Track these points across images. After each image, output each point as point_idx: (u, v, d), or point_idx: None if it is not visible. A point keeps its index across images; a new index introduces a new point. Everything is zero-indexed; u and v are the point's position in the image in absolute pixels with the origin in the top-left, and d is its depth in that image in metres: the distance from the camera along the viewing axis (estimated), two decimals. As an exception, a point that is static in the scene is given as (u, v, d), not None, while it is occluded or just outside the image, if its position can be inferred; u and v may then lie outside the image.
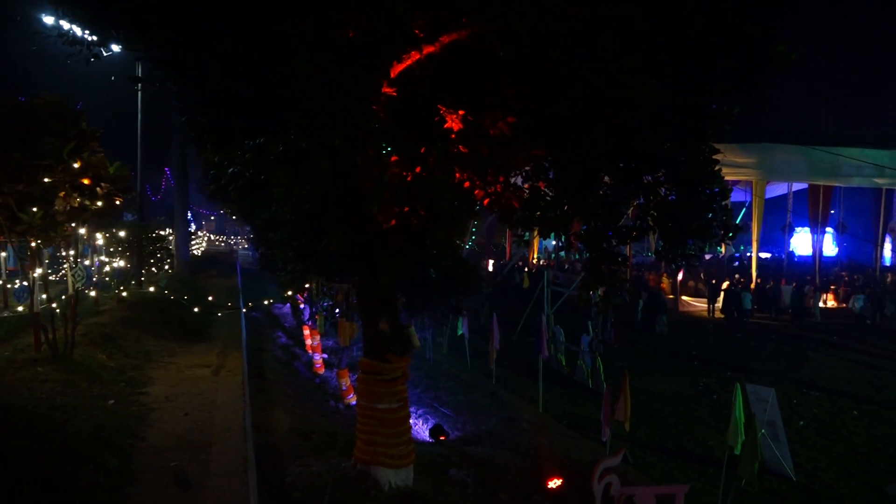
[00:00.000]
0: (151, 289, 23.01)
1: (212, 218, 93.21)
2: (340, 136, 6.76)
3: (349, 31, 5.96)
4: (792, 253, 40.53)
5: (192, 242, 50.11)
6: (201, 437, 9.20)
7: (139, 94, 27.13)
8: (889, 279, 30.63)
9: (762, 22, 6.48)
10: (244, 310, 21.32)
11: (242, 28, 5.78)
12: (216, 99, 6.31)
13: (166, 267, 30.88)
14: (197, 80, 6.30)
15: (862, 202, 38.40)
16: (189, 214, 44.54)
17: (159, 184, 59.01)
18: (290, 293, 22.77)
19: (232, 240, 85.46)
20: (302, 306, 22.37)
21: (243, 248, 64.09)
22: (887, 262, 37.44)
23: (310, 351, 19.33)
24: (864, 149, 28.19)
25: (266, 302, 25.64)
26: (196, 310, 19.64)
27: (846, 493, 11.10)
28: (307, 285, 18.63)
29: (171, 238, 35.23)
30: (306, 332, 19.98)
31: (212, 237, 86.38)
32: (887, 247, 38.09)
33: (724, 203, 8.53)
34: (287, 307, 27.37)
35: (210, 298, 23.89)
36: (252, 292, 27.43)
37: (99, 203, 11.96)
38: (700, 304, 29.81)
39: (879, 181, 30.34)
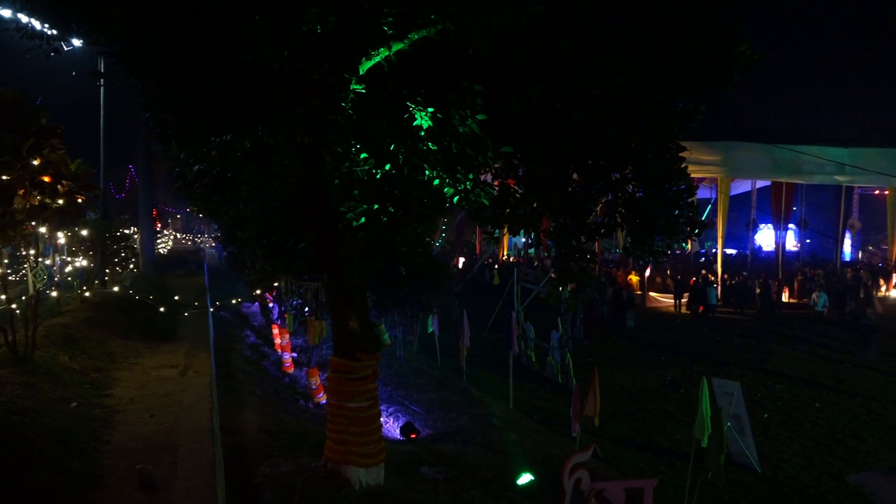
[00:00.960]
0: (116, 289, 22.56)
1: (178, 216, 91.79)
2: (308, 133, 6.69)
3: (316, 27, 5.90)
4: (759, 248, 41.32)
5: (158, 241, 49.27)
6: (168, 439, 9.05)
7: (101, 89, 26.56)
8: (849, 275, 31.40)
9: (725, 22, 6.59)
10: (212, 309, 21.03)
11: (206, 22, 5.68)
12: (181, 94, 6.20)
13: (131, 266, 30.28)
14: (160, 76, 6.18)
15: (823, 199, 39.32)
16: (154, 213, 43.76)
17: (124, 181, 57.85)
18: (258, 292, 22.51)
19: (199, 238, 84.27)
20: (271, 305, 22.14)
21: (211, 247, 63.24)
22: (847, 258, 38.38)
23: (279, 350, 19.16)
24: (824, 147, 28.83)
25: (234, 301, 25.32)
26: (162, 310, 19.31)
27: (809, 483, 11.36)
28: (276, 284, 18.42)
29: (135, 237, 34.56)
30: (275, 330, 19.79)
31: (178, 236, 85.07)
32: (847, 242, 39.07)
33: (690, 200, 8.64)
34: (256, 306, 27.07)
35: (176, 298, 23.49)
36: (220, 291, 27.08)
37: (60, 201, 11.65)
38: (667, 300, 30.23)
39: (840, 178, 31.07)
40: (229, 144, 7.44)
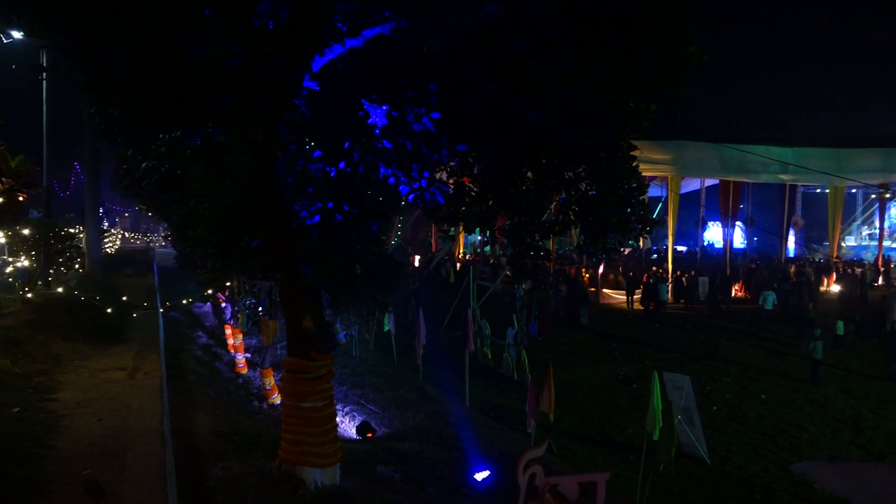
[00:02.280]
0: (60, 289, 21.85)
1: (126, 215, 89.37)
2: (261, 130, 6.59)
3: (269, 22, 5.81)
4: (711, 245, 42.38)
5: (106, 240, 47.90)
6: (116, 444, 8.80)
7: (44, 83, 25.67)
8: (793, 270, 32.43)
9: (675, 24, 6.72)
10: (162, 310, 20.55)
11: (155, 16, 5.55)
12: (128, 90, 6.04)
13: (77, 266, 29.39)
14: (106, 71, 6.01)
15: (768, 197, 40.55)
16: (101, 211, 42.50)
17: (68, 179, 56.03)
18: (210, 291, 22.10)
19: (148, 237, 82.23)
20: (223, 305, 21.75)
21: (161, 246, 61.78)
22: (791, 254, 39.66)
23: (232, 350, 18.84)
24: (769, 146, 29.67)
25: (185, 301, 24.80)
26: (109, 311, 18.78)
27: (756, 473, 11.70)
28: (228, 283, 18.12)
29: (81, 236, 33.53)
30: (228, 331, 19.46)
31: (126, 235, 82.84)
32: (791, 239, 40.40)
33: (641, 198, 8.82)
34: (208, 306, 26.57)
35: (125, 298, 22.88)
36: (170, 291, 26.45)
37: None
38: (620, 297, 30.73)
39: (784, 177, 32.07)
40: (179, 141, 7.29)
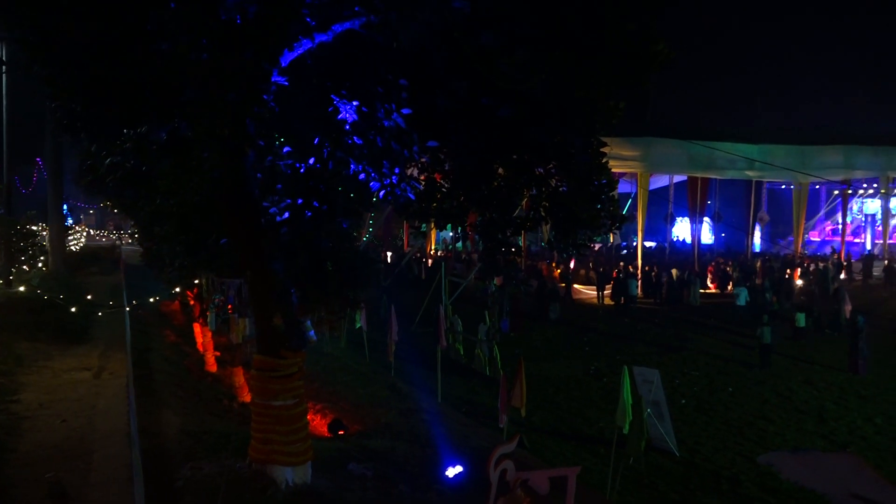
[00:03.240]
0: (22, 288, 21.35)
1: (91, 212, 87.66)
2: (229, 126, 6.48)
3: (236, 16, 5.72)
4: (682, 241, 42.96)
5: (70, 238, 46.92)
6: (81, 445, 8.64)
7: (3, 77, 25.01)
8: (758, 265, 33.02)
9: (643, 21, 6.78)
10: (128, 308, 20.19)
11: (119, 9, 5.42)
12: (90, 84, 5.90)
13: (39, 265, 28.76)
14: (68, 65, 5.87)
15: (735, 193, 41.25)
16: (65, 208, 41.59)
17: (30, 175, 54.72)
18: (178, 290, 21.76)
19: (114, 234, 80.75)
20: (192, 303, 21.45)
21: (127, 244, 60.70)
22: (757, 249, 40.42)
23: (201, 349, 18.59)
24: (736, 143, 30.19)
25: (153, 299, 24.41)
26: (73, 310, 18.39)
27: (723, 464, 11.90)
28: (197, 281, 17.85)
29: (44, 233, 32.78)
30: (197, 329, 19.19)
31: (92, 232, 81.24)
32: (757, 234, 41.16)
33: (611, 194, 8.90)
34: (176, 304, 26.19)
35: (89, 297, 22.44)
36: (137, 290, 25.99)
37: (-42, 196, 10.93)
38: (590, 292, 31.01)
39: (750, 173, 32.66)
40: (144, 137, 7.14)
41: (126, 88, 5.97)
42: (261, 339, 8.33)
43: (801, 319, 21.70)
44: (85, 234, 73.15)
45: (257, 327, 8.42)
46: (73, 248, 46.38)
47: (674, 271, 30.27)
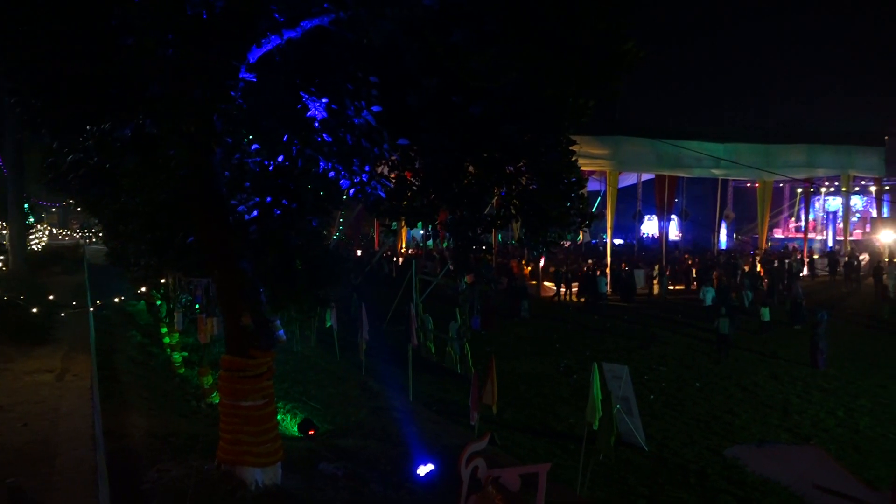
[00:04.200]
0: (-18, 288, 20.82)
1: (53, 210, 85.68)
2: (195, 123, 6.39)
3: (202, 11, 5.63)
4: (647, 238, 43.48)
5: (31, 237, 45.82)
6: (43, 449, 8.42)
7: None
8: (722, 260, 33.58)
9: (613, 21, 6.84)
10: (92, 309, 19.79)
11: (80, 2, 5.30)
12: (51, 80, 5.76)
13: (0, 264, 28.07)
14: (28, 59, 5.72)
15: (701, 191, 41.88)
16: (26, 206, 40.60)
17: (-10, 173, 53.30)
18: (144, 289, 21.42)
19: (78, 233, 79.08)
20: (158, 303, 21.13)
21: (91, 242, 59.49)
22: (723, 246, 41.12)
23: (168, 349, 18.33)
24: (703, 142, 30.71)
25: (118, 299, 23.97)
26: (35, 310, 17.96)
27: (691, 458, 12.09)
28: (163, 280, 17.59)
29: (4, 232, 31.98)
30: (164, 329, 18.91)
31: (54, 231, 79.46)
32: (723, 231, 41.87)
33: (581, 192, 8.96)
34: (142, 304, 25.76)
35: (52, 297, 21.93)
36: (102, 289, 25.49)
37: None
38: (561, 289, 31.19)
39: (716, 172, 33.20)
40: (108, 133, 6.98)
41: (89, 84, 5.84)
42: (229, 338, 8.22)
43: (765, 314, 22.24)
44: (47, 233, 71.51)
45: (226, 327, 8.31)
46: (34, 247, 45.31)
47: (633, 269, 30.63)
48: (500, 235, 37.44)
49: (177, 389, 15.83)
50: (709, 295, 25.25)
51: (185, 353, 18.51)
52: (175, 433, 10.38)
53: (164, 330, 19.80)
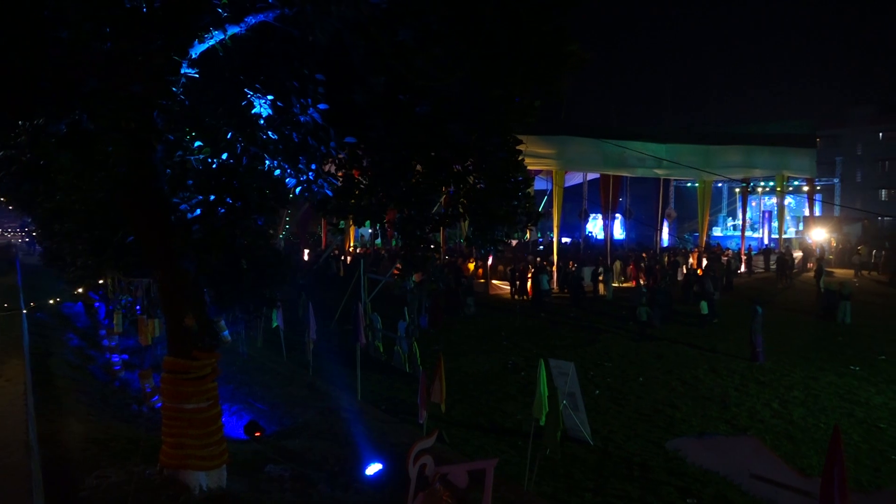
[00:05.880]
0: None
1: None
2: (135, 119, 6.21)
3: (142, 4, 5.49)
4: (593, 237, 44.28)
5: (-41, 236, 43.76)
6: (-26, 458, 8.09)
7: None
8: (666, 259, 34.50)
9: (557, 22, 6.94)
10: (25, 311, 19.04)
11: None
12: (-22, 72, 5.51)
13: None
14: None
15: (645, 191, 42.93)
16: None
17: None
18: (81, 290, 20.72)
19: (9, 233, 75.84)
20: (97, 304, 20.47)
21: (23, 242, 57.14)
22: (665, 244, 42.23)
23: (107, 352, 17.79)
24: (645, 143, 31.48)
25: (53, 301, 23.11)
26: (-37, 313, 17.20)
27: (634, 451, 12.37)
28: (102, 281, 17.05)
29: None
30: (103, 332, 18.34)
31: (-16, 230, 76.07)
32: (665, 230, 42.99)
33: (527, 191, 9.08)
34: (79, 306, 24.90)
35: (-19, 300, 21.04)
36: (36, 291, 24.58)
37: None
38: (508, 287, 31.53)
39: (658, 172, 34.09)
40: (41, 129, 6.72)
41: (19, 77, 5.61)
42: (172, 340, 8.03)
43: (704, 307, 23.09)
44: (-24, 232, 68.43)
45: (168, 328, 8.12)
46: (-38, 247, 43.27)
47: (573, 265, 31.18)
48: (451, 236, 37.59)
49: (117, 393, 15.38)
50: (643, 313, 25.26)
51: (126, 356, 18.00)
52: (115, 438, 10.10)
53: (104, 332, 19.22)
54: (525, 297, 28.42)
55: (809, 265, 34.68)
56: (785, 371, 17.47)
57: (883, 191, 58.02)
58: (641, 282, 28.12)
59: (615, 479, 11.11)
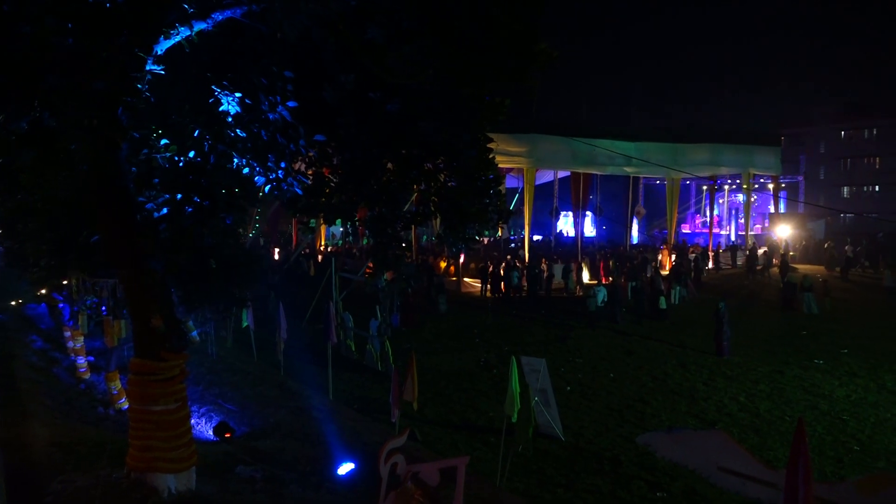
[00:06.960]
0: None
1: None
2: (98, 116, 6.09)
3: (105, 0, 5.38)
4: (563, 235, 44.59)
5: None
6: (-67, 464, 7.88)
7: None
8: (637, 257, 34.87)
9: (527, 21, 6.97)
10: (-13, 312, 18.59)
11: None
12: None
13: None
14: None
15: (614, 188, 43.35)
16: None
17: None
18: (45, 291, 20.25)
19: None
20: (60, 305, 20.02)
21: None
22: (635, 241, 42.71)
23: (72, 354, 17.43)
24: (615, 141, 31.77)
25: (15, 302, 22.58)
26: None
27: (605, 446, 12.50)
28: (66, 281, 16.68)
29: None
30: (67, 333, 17.96)
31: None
32: (634, 227, 43.50)
33: (498, 189, 9.11)
34: (42, 307, 24.36)
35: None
36: (-2, 292, 24.01)
37: None
38: (480, 285, 31.58)
39: (628, 170, 34.45)
40: (2, 126, 6.56)
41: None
42: (138, 341, 7.89)
43: (662, 302, 23.76)
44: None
45: (134, 329, 7.97)
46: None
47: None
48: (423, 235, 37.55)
49: (82, 396, 15.10)
50: (600, 295, 24.99)
51: (91, 358, 17.66)
52: (81, 441, 9.91)
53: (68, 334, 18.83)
54: (498, 294, 28.53)
55: (775, 261, 35.25)
56: (751, 365, 17.79)
57: (845, 188, 59.37)
58: (603, 281, 29.13)
59: (586, 474, 11.21)
